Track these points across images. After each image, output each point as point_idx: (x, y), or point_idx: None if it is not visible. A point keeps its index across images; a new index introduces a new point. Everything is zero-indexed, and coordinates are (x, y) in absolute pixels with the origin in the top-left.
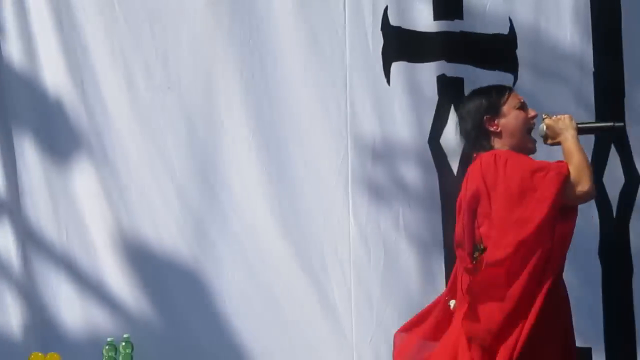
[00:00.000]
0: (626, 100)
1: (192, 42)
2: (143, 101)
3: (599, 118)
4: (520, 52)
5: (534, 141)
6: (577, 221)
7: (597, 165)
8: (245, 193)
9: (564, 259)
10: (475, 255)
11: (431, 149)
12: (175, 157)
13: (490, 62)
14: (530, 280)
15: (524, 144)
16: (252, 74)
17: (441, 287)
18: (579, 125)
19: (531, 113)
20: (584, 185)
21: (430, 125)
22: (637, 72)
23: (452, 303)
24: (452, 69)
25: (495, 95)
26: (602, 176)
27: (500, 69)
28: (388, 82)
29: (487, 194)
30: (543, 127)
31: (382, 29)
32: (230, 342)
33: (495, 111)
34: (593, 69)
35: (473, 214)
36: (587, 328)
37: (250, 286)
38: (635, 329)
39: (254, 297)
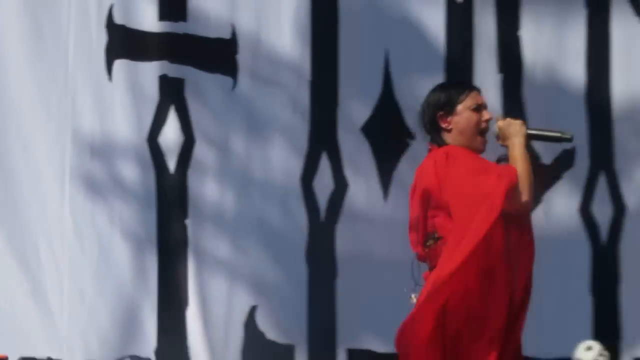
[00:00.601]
0: (339, 109)
1: None
2: None
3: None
4: (241, 57)
5: (484, 142)
6: (285, 224)
7: (308, 170)
8: None
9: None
10: (428, 244)
11: (149, 147)
12: None
13: (211, 65)
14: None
15: (473, 144)
16: None
17: (153, 282)
18: (529, 132)
19: (485, 116)
20: (522, 196)
21: (149, 124)
22: (351, 83)
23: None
24: (174, 70)
25: (453, 93)
26: (312, 182)
27: (220, 72)
28: (110, 79)
29: (439, 188)
30: (495, 128)
31: (106, 26)
32: None
33: (450, 108)
34: (310, 78)
35: (426, 204)
36: (291, 326)
37: None
38: (336, 328)
39: None
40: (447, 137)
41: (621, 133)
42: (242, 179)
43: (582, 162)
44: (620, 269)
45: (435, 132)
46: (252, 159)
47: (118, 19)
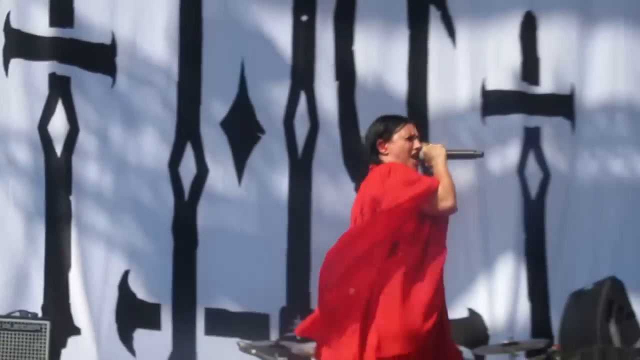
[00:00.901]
0: (202, 106)
1: None
2: None
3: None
4: (119, 60)
5: (416, 164)
6: (155, 202)
7: (175, 157)
8: None
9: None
10: None
11: (40, 134)
12: None
13: (94, 66)
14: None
15: (406, 165)
16: None
17: (41, 248)
18: (448, 152)
19: (416, 144)
20: (447, 202)
21: (40, 114)
22: (212, 84)
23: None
24: (62, 69)
25: (391, 124)
26: (178, 167)
27: (101, 72)
28: (6, 75)
29: (384, 194)
30: (421, 152)
31: (3, 30)
32: None
33: (388, 136)
34: (177, 79)
35: (374, 211)
36: (158, 288)
37: None
38: (197, 289)
39: None
40: (385, 160)
41: (435, 133)
42: (119, 163)
43: None
44: None
45: (375, 155)
46: (127, 146)
47: (14, 24)
